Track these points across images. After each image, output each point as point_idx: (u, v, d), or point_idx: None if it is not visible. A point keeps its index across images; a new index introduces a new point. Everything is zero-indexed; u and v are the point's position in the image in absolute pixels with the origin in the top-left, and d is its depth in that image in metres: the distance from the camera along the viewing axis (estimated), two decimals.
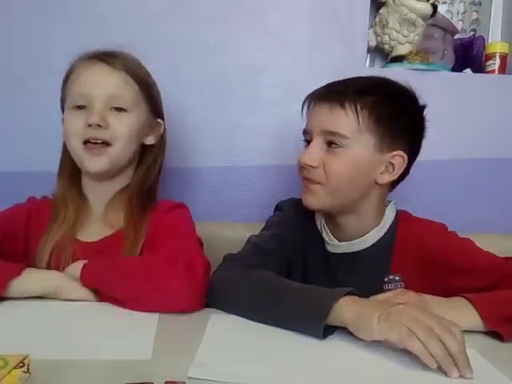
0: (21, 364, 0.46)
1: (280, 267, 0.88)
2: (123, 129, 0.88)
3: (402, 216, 0.93)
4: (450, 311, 0.69)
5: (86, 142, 0.86)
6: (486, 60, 1.33)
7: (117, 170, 0.91)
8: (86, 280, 0.77)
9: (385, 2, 1.28)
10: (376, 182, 0.86)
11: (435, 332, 0.57)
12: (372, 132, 0.83)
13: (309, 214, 0.94)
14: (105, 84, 0.87)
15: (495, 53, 1.31)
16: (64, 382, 0.51)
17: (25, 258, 0.88)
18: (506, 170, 1.28)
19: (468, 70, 1.34)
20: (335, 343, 0.64)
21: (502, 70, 1.31)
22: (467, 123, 1.27)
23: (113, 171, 0.90)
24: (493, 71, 1.32)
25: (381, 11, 1.28)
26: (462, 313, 0.71)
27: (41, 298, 0.76)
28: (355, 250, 0.89)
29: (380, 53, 1.34)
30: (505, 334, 0.69)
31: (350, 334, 0.64)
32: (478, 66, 1.35)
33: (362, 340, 0.63)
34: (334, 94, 0.84)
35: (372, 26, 1.30)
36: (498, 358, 0.62)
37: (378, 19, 1.29)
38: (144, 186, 0.94)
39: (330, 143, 0.84)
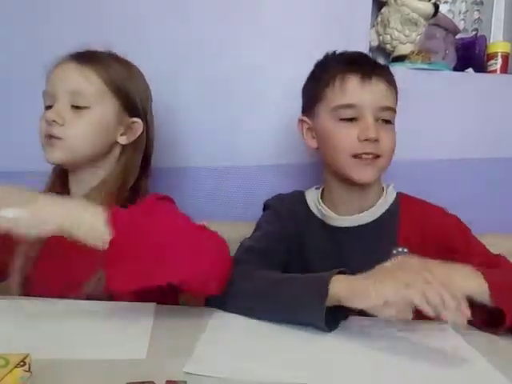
0: (22, 363, 0.46)
1: (276, 262, 0.88)
2: (78, 126, 0.88)
3: (402, 195, 0.96)
4: (456, 273, 0.68)
5: (46, 136, 0.89)
6: (488, 60, 1.33)
7: (83, 163, 0.91)
8: (115, 221, 0.67)
9: (386, 2, 1.28)
10: None
11: (433, 284, 0.58)
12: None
13: (298, 201, 0.97)
14: (65, 80, 0.89)
15: (497, 52, 1.31)
16: (65, 381, 0.51)
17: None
18: (507, 169, 1.27)
19: (470, 70, 1.34)
20: (335, 341, 0.64)
21: (504, 69, 1.31)
22: (469, 123, 1.27)
23: (75, 163, 0.91)
24: (495, 71, 1.31)
25: (382, 11, 1.28)
26: (469, 277, 0.69)
27: None
28: (363, 222, 0.90)
29: (382, 52, 1.34)
30: (507, 310, 0.67)
31: (351, 333, 0.64)
32: (480, 66, 1.34)
33: (362, 339, 0.63)
34: (383, 70, 0.90)
35: (374, 26, 1.30)
36: (497, 358, 0.62)
37: (379, 19, 1.29)
38: (123, 185, 0.92)
39: (383, 120, 0.87)
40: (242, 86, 1.24)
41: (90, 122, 0.89)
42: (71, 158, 0.90)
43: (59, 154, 0.88)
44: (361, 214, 0.91)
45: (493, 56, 1.32)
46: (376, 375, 0.56)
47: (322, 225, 0.94)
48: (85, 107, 0.88)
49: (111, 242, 0.65)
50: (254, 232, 0.96)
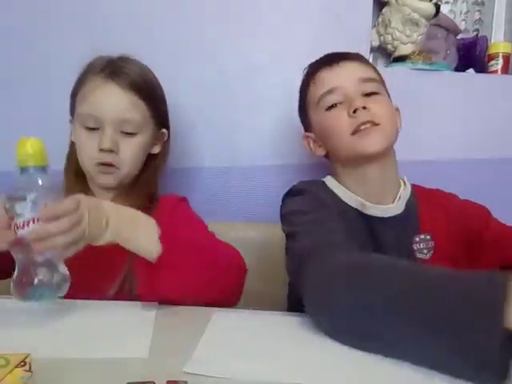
0: (22, 363, 0.46)
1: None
2: (131, 153, 0.93)
3: (415, 186, 0.97)
4: None
5: (99, 163, 0.92)
6: (489, 60, 1.33)
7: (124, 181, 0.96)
8: (165, 235, 0.73)
9: (387, 2, 1.28)
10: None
11: None
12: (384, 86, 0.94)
13: (324, 189, 0.93)
14: (115, 108, 0.90)
15: (498, 53, 1.31)
16: (65, 381, 0.51)
17: None
18: (508, 169, 1.27)
19: (471, 70, 1.34)
20: (335, 342, 0.64)
21: (505, 70, 1.31)
22: (470, 123, 1.27)
23: (120, 183, 0.95)
24: (495, 71, 1.31)
25: (383, 11, 1.28)
26: None
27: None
28: (396, 213, 0.90)
29: (383, 53, 1.34)
30: None
31: None
32: (481, 66, 1.34)
33: None
34: (354, 54, 0.93)
35: (375, 26, 1.30)
36: None
37: (380, 19, 1.29)
38: (148, 188, 0.98)
39: (371, 93, 0.88)
40: (242, 86, 1.24)
41: (139, 148, 0.94)
42: (121, 182, 0.95)
43: (114, 181, 0.93)
44: (393, 205, 0.90)
45: (494, 56, 1.32)
46: (376, 376, 0.56)
47: (358, 213, 0.89)
48: (133, 133, 0.92)
49: (159, 258, 0.71)
50: (294, 227, 0.81)
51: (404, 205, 0.91)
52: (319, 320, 0.63)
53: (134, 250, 0.73)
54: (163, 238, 0.73)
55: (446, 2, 1.46)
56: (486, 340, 0.45)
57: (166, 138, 1.02)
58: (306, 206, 0.85)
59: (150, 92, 0.95)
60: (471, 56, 1.36)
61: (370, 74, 0.91)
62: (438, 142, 1.27)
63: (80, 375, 0.52)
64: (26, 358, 0.47)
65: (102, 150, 0.89)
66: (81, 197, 0.68)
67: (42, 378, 0.49)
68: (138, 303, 0.76)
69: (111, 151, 0.90)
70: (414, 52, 1.26)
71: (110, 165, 0.91)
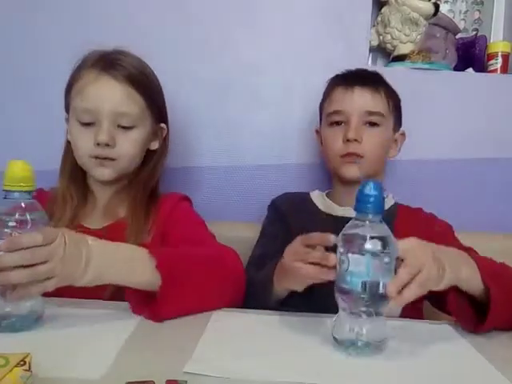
0: (22, 362, 0.46)
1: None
2: (129, 146, 0.91)
3: (400, 205, 1.03)
4: (462, 262, 0.69)
5: (95, 157, 0.90)
6: (488, 59, 1.33)
7: (122, 176, 0.95)
8: (161, 263, 0.69)
9: (387, 1, 1.27)
10: (387, 156, 1.03)
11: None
12: (392, 114, 1.00)
13: (304, 199, 1.06)
14: (110, 100, 0.88)
15: (497, 52, 1.31)
16: (66, 380, 0.51)
17: None
18: (508, 169, 1.27)
19: (470, 70, 1.33)
20: (335, 341, 0.64)
21: (504, 69, 1.31)
22: (469, 122, 1.27)
23: (119, 178, 0.94)
24: (495, 70, 1.31)
25: (383, 10, 1.28)
26: (468, 264, 0.70)
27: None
28: None
29: (382, 52, 1.34)
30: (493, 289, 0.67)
31: None
32: (480, 66, 1.34)
33: None
34: (369, 80, 0.99)
35: (374, 26, 1.30)
36: (497, 357, 0.62)
37: (379, 18, 1.29)
38: (148, 185, 0.96)
39: (369, 123, 0.96)
40: (242, 85, 1.24)
41: (137, 141, 0.92)
42: (119, 175, 0.93)
43: (111, 173, 0.91)
44: None
45: (493, 56, 1.32)
46: (375, 376, 0.56)
47: (326, 216, 1.00)
48: (130, 127, 0.90)
49: (160, 287, 0.68)
50: (260, 235, 1.03)
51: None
52: None
53: (131, 286, 0.70)
54: (160, 267, 0.69)
55: (446, 2, 1.46)
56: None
57: (164, 134, 1.00)
58: (267, 217, 1.07)
59: (146, 84, 0.93)
60: (470, 55, 1.36)
61: (378, 107, 0.97)
62: (437, 141, 1.26)
63: (80, 375, 0.52)
64: (25, 357, 0.47)
65: (98, 145, 0.87)
66: (63, 231, 0.63)
67: (42, 377, 0.49)
68: None
69: (108, 145, 0.88)
70: (413, 51, 1.25)
71: (104, 158, 0.89)
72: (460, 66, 1.35)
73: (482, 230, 1.16)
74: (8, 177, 0.62)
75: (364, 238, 0.58)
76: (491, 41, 1.42)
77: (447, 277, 0.63)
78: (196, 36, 1.23)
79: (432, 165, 1.26)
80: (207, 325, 0.69)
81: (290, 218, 1.01)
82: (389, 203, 1.00)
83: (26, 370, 0.47)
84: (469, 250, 0.86)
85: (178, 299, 0.70)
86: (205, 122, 1.25)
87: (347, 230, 0.60)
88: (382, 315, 0.60)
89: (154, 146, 0.98)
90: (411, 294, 0.58)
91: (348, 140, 0.94)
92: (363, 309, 0.58)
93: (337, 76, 1.04)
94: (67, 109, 0.94)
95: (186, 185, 1.23)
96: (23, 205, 0.63)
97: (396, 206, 1.02)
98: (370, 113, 0.96)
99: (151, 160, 0.98)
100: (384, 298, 0.58)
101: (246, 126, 1.25)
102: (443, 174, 1.27)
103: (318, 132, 1.10)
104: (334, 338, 0.61)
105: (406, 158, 1.21)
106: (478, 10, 1.47)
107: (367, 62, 1.29)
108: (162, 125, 0.99)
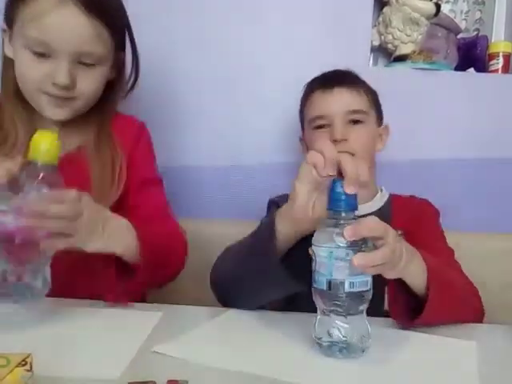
0: (23, 362, 0.46)
1: None
2: (90, 84, 0.80)
3: (393, 194, 1.03)
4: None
5: (50, 94, 0.79)
6: (490, 59, 1.33)
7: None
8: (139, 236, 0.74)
9: (388, 2, 1.27)
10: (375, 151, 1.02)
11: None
12: (373, 109, 0.99)
13: None
14: (74, 38, 0.75)
15: (498, 52, 1.31)
16: (66, 380, 0.51)
17: None
18: (508, 169, 1.27)
19: (471, 70, 1.33)
20: None
21: (506, 69, 1.31)
22: (470, 122, 1.27)
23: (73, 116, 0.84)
24: (496, 70, 1.31)
25: (384, 10, 1.28)
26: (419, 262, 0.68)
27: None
28: (363, 212, 0.92)
29: (383, 52, 1.34)
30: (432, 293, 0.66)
31: None
32: (482, 66, 1.34)
33: None
34: (346, 79, 0.98)
35: (375, 26, 1.30)
36: (497, 354, 0.62)
37: (381, 18, 1.29)
38: (107, 118, 0.88)
39: (353, 121, 0.95)
40: (242, 85, 1.24)
41: (99, 79, 0.82)
42: (74, 114, 0.83)
43: (66, 114, 0.81)
44: (363, 205, 0.93)
45: (494, 56, 1.32)
46: (374, 376, 0.56)
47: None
48: (93, 64, 0.79)
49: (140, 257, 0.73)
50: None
51: (378, 206, 0.97)
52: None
53: (119, 254, 0.73)
54: (138, 238, 0.73)
55: (447, 2, 1.46)
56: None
57: (122, 61, 0.88)
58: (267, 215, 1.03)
59: (115, 15, 0.81)
60: (472, 55, 1.36)
61: (359, 105, 0.97)
62: (437, 141, 1.26)
63: (81, 375, 0.52)
64: (26, 357, 0.47)
65: (55, 85, 0.76)
66: (84, 194, 0.66)
67: (43, 377, 0.49)
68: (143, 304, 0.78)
69: (66, 87, 0.77)
70: (414, 51, 1.25)
71: (60, 97, 0.78)
72: (461, 66, 1.35)
73: (481, 230, 1.16)
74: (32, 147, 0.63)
75: (329, 237, 0.57)
76: (492, 41, 1.42)
77: (401, 265, 0.62)
78: (196, 36, 1.23)
79: (432, 165, 1.26)
80: (211, 324, 0.70)
81: None
82: (383, 198, 1.00)
83: (27, 371, 0.46)
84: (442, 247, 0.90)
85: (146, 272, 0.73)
86: (206, 121, 1.25)
87: (317, 229, 0.60)
88: (357, 314, 0.58)
89: (111, 75, 0.86)
90: (376, 256, 0.57)
91: (335, 141, 0.93)
92: (332, 308, 0.57)
93: (313, 80, 1.03)
94: (8, 21, 0.79)
95: (185, 185, 1.23)
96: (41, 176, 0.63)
97: (390, 200, 1.01)
98: (353, 111, 0.96)
99: (107, 93, 0.87)
100: (358, 297, 0.57)
101: (246, 126, 1.25)
102: (443, 174, 1.27)
103: (301, 140, 1.08)
104: (314, 338, 0.61)
105: (406, 157, 1.21)
106: (480, 10, 1.47)
107: (368, 62, 1.29)
108: (121, 53, 0.88)
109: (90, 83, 0.80)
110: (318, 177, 0.64)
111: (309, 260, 0.61)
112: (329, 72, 1.02)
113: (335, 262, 0.56)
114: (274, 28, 1.24)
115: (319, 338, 0.59)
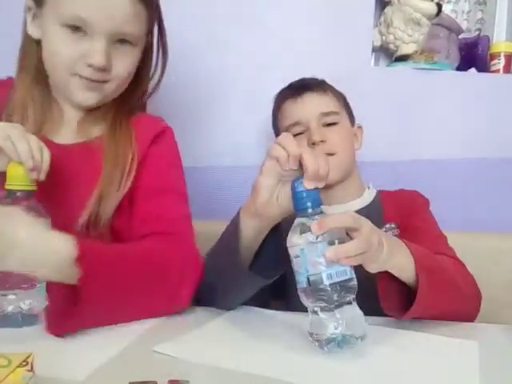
0: (24, 363, 0.46)
1: None
2: (124, 68, 0.76)
3: (381, 190, 1.03)
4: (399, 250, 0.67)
5: (82, 77, 0.74)
6: (491, 59, 1.33)
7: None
8: (81, 259, 0.58)
9: (389, 2, 1.27)
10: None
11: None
12: (344, 110, 1.01)
13: None
14: (114, 17, 0.71)
15: (500, 52, 1.31)
16: (67, 381, 0.51)
17: None
18: (509, 169, 1.27)
19: (473, 70, 1.33)
20: None
21: (507, 69, 1.31)
22: (471, 122, 1.27)
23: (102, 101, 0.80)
24: (497, 71, 1.31)
25: (385, 11, 1.28)
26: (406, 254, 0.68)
27: None
28: (354, 208, 0.94)
29: (385, 52, 1.34)
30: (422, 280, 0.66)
31: None
32: (483, 66, 1.34)
33: None
34: (313, 84, 1.00)
35: (377, 26, 1.30)
36: (498, 354, 0.62)
37: (382, 19, 1.29)
38: (133, 104, 0.85)
39: (328, 124, 0.96)
40: (242, 85, 1.24)
41: (133, 63, 0.78)
42: (103, 99, 0.78)
43: (97, 98, 0.77)
44: (353, 202, 0.97)
45: (495, 56, 1.32)
46: (374, 376, 0.56)
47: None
48: (130, 44, 0.76)
49: (79, 281, 0.59)
50: None
51: (367, 202, 0.98)
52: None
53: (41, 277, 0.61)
54: (80, 260, 0.58)
55: (448, 2, 1.46)
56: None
57: (150, 45, 0.84)
58: None
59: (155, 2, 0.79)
60: (473, 55, 1.36)
61: (331, 106, 0.98)
62: (439, 140, 1.26)
63: (82, 375, 0.52)
64: (28, 357, 0.47)
65: (90, 66, 0.72)
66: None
67: (44, 377, 0.49)
68: None
69: (102, 69, 0.73)
70: (415, 51, 1.25)
71: (94, 80, 0.74)
72: (462, 66, 1.35)
73: (481, 230, 1.16)
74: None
75: (299, 236, 0.58)
76: (494, 41, 1.42)
77: (383, 257, 0.62)
78: (196, 36, 1.23)
79: (432, 165, 1.26)
80: (211, 324, 0.69)
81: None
82: (372, 195, 1.01)
83: (28, 371, 0.46)
84: (437, 236, 0.89)
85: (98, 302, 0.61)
86: (208, 121, 1.25)
87: (289, 231, 0.60)
88: (346, 305, 0.57)
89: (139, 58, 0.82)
90: (349, 246, 0.57)
91: (314, 143, 0.93)
92: (319, 304, 0.57)
93: (281, 91, 1.04)
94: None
95: (189, 184, 1.23)
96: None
97: (379, 196, 1.01)
98: (326, 114, 0.97)
99: (137, 76, 0.82)
100: (342, 287, 0.56)
101: (246, 126, 1.25)
102: (444, 174, 1.27)
103: None
104: (310, 339, 0.60)
105: (406, 158, 1.21)
106: (481, 10, 1.47)
107: (370, 62, 1.29)
108: (151, 37, 0.84)
109: (125, 65, 0.76)
110: (281, 170, 0.63)
111: None
112: (295, 81, 1.04)
113: (309, 258, 0.56)
114: (275, 28, 1.23)
115: (314, 337, 0.59)
